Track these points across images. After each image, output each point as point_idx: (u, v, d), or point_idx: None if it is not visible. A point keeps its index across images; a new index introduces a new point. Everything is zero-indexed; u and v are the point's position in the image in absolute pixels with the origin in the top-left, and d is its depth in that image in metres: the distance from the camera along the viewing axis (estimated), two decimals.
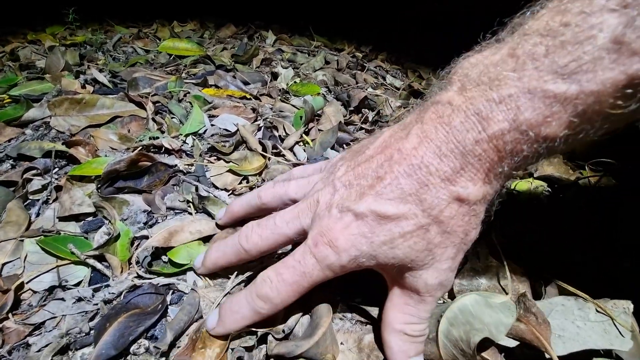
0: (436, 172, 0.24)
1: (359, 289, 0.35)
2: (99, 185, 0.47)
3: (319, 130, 0.66)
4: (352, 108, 0.76)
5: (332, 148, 0.62)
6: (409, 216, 0.25)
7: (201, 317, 0.32)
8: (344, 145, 0.65)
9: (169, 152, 0.57)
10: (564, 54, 0.20)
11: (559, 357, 0.27)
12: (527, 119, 0.22)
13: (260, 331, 0.30)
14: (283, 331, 0.30)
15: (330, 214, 0.27)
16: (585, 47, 0.20)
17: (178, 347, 0.30)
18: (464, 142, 0.24)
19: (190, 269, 0.38)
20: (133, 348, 0.29)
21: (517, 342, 0.29)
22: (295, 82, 0.89)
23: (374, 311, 0.33)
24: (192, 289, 0.34)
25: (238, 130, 0.60)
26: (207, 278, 0.36)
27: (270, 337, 0.32)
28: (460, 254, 0.27)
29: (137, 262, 0.38)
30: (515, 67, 0.22)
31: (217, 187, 0.51)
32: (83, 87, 0.73)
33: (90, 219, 0.44)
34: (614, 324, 0.29)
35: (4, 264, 0.38)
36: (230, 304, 0.30)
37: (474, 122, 0.23)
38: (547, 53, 0.21)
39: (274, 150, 0.59)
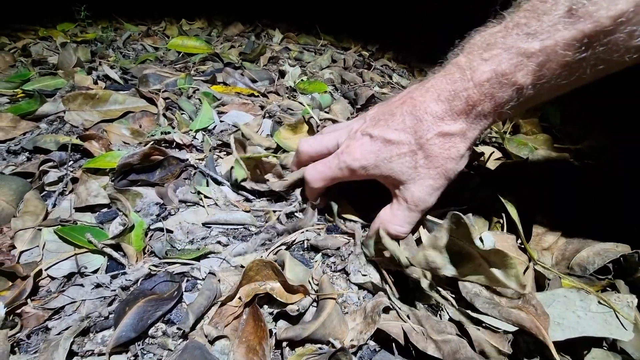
0: (431, 112, 0.34)
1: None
2: (113, 178, 0.48)
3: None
4: (359, 106, 0.77)
5: None
6: (405, 142, 0.35)
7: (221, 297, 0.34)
8: None
9: (179, 146, 0.58)
10: (535, 22, 0.29)
11: (556, 343, 0.28)
12: (503, 69, 0.30)
13: (276, 310, 0.31)
14: (297, 310, 0.31)
15: (356, 135, 0.39)
16: (550, 16, 0.28)
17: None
18: (456, 89, 0.32)
19: (204, 256, 0.39)
20: (151, 331, 0.30)
21: (516, 328, 0.30)
22: (302, 80, 0.90)
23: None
24: (210, 272, 0.35)
25: (239, 129, 0.61)
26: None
27: (279, 323, 0.33)
28: (440, 179, 0.35)
29: (152, 252, 0.40)
30: (505, 34, 0.30)
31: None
32: (95, 83, 0.74)
33: (105, 210, 0.45)
34: (616, 315, 0.30)
35: (22, 252, 0.40)
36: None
37: (466, 74, 0.32)
38: (525, 23, 0.29)
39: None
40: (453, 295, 0.34)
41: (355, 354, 0.31)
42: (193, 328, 0.30)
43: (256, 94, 0.80)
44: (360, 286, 0.36)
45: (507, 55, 0.30)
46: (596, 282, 0.34)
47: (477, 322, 0.31)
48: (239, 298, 0.32)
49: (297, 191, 0.48)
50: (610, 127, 0.68)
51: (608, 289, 0.33)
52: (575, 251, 0.36)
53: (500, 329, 0.30)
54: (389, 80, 1.00)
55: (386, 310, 0.31)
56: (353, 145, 0.38)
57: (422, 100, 0.34)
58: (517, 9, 0.31)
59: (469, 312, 0.32)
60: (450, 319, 0.32)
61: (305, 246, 0.42)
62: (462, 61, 0.33)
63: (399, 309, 0.32)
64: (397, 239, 0.38)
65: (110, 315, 0.32)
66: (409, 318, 0.32)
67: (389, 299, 0.33)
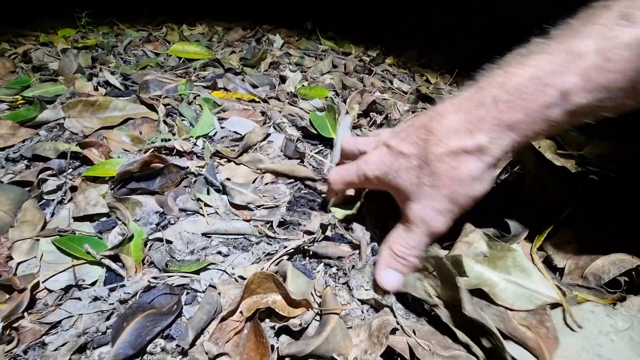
0: (446, 125, 0.31)
1: None
2: (113, 186, 0.48)
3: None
4: (360, 112, 0.77)
5: None
6: (414, 155, 0.33)
7: (221, 311, 0.33)
8: None
9: (180, 154, 0.57)
10: (587, 26, 0.26)
11: None
12: (545, 70, 0.27)
13: (278, 325, 0.30)
14: (300, 324, 0.31)
15: (377, 146, 0.38)
16: (602, 18, 0.25)
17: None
18: (482, 98, 0.29)
19: (206, 267, 0.38)
20: (150, 347, 0.29)
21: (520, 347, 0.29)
22: (303, 85, 0.90)
23: None
24: (210, 285, 0.34)
25: (243, 136, 0.61)
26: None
27: (281, 338, 0.32)
28: (444, 202, 0.32)
29: (151, 263, 0.39)
30: (552, 42, 0.28)
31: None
32: (96, 89, 0.74)
33: (104, 219, 0.45)
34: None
35: (19, 263, 0.39)
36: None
37: (497, 80, 0.29)
38: (576, 27, 0.27)
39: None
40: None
41: None
42: (193, 344, 0.29)
43: (257, 99, 0.79)
44: (364, 302, 0.36)
45: (552, 57, 0.26)
46: (607, 295, 0.33)
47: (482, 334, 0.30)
48: (240, 312, 0.32)
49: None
50: (613, 132, 0.67)
51: (618, 302, 0.32)
52: (590, 260, 0.35)
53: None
54: (389, 85, 0.99)
55: (393, 331, 0.30)
56: (373, 154, 0.38)
57: (443, 111, 0.32)
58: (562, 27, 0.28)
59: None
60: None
61: (309, 254, 0.42)
62: (496, 72, 0.30)
63: (404, 324, 0.32)
64: (405, 264, 0.35)
65: (108, 331, 0.31)
66: (414, 333, 0.31)
67: (394, 315, 0.32)
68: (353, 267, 0.39)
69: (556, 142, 0.70)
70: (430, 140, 0.31)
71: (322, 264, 0.41)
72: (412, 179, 0.33)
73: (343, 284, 0.38)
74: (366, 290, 0.36)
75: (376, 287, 0.36)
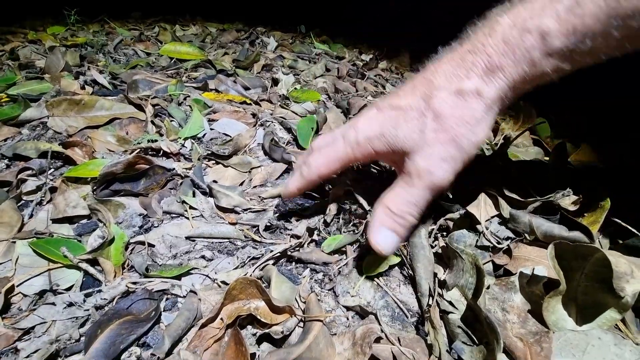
0: (443, 71, 0.31)
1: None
2: (95, 188, 0.46)
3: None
4: (351, 116, 0.77)
5: None
6: (414, 106, 0.32)
7: (201, 318, 0.32)
8: None
9: (167, 155, 0.56)
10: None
11: None
12: (524, 15, 0.28)
13: (260, 332, 0.30)
14: (282, 332, 0.30)
15: (364, 110, 0.36)
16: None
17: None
18: (472, 46, 0.30)
19: (188, 272, 0.37)
20: (124, 356, 0.28)
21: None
22: (295, 88, 0.89)
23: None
24: (191, 290, 0.33)
25: (232, 138, 0.60)
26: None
27: (263, 346, 0.31)
28: (451, 147, 0.31)
29: (132, 267, 0.38)
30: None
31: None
32: (82, 88, 0.73)
33: (84, 221, 0.43)
34: None
35: None
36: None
37: (484, 31, 0.30)
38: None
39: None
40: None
41: None
42: (170, 353, 0.28)
43: (248, 101, 0.79)
44: (349, 308, 0.35)
45: (531, 4, 0.28)
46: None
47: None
48: (221, 319, 0.31)
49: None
50: (600, 139, 0.68)
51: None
52: None
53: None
54: (382, 90, 1.00)
55: (377, 340, 0.30)
56: (358, 119, 0.35)
57: (437, 64, 0.32)
58: None
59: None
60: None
61: (295, 259, 0.41)
62: (482, 24, 0.31)
63: (389, 332, 0.31)
64: (402, 224, 0.33)
65: (81, 338, 0.30)
66: (399, 341, 0.31)
67: (379, 323, 0.32)
68: (339, 272, 0.39)
69: (544, 148, 0.70)
70: (432, 86, 0.31)
71: (309, 269, 0.40)
72: (414, 129, 0.31)
73: (329, 290, 0.38)
74: (352, 296, 0.35)
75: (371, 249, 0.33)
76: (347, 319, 0.35)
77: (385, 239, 0.33)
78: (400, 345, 0.30)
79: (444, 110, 0.30)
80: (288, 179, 0.44)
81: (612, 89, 0.80)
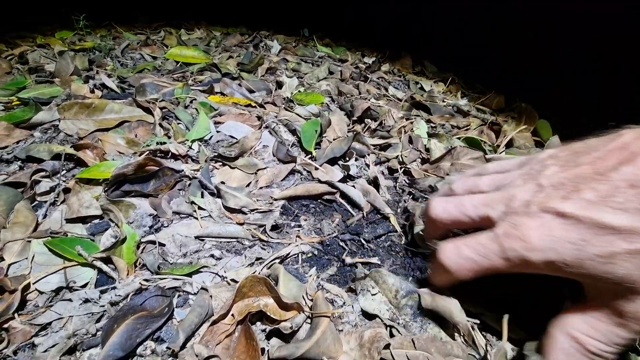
0: None
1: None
2: (107, 189, 0.48)
3: (329, 141, 0.66)
4: (355, 118, 0.78)
5: (346, 160, 0.62)
6: (633, 231, 0.22)
7: (212, 314, 0.33)
8: (357, 158, 0.64)
9: (175, 157, 0.58)
10: None
11: None
12: None
13: (269, 327, 0.31)
14: (291, 327, 0.31)
15: (529, 211, 0.26)
16: None
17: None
18: None
19: (198, 270, 0.38)
20: (140, 350, 0.29)
21: None
22: (299, 91, 0.90)
23: None
24: (202, 287, 0.34)
25: (239, 140, 0.61)
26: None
27: (272, 341, 0.32)
28: None
29: (143, 266, 0.39)
30: None
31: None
32: (92, 91, 0.74)
33: (97, 221, 0.45)
34: None
35: (10, 264, 0.39)
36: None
37: None
38: None
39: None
40: None
41: None
42: (183, 347, 0.29)
43: (253, 104, 0.80)
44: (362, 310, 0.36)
45: None
46: None
47: None
48: (232, 315, 0.32)
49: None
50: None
51: None
52: None
53: None
54: (385, 92, 1.01)
55: (387, 347, 0.30)
56: (526, 225, 0.25)
57: None
58: None
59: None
60: None
61: (301, 259, 0.42)
62: None
63: (405, 334, 0.31)
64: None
65: (98, 333, 0.31)
66: (413, 343, 0.31)
67: (388, 327, 0.32)
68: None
69: None
70: None
71: (315, 268, 0.41)
72: None
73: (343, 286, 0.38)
74: (373, 295, 0.36)
75: None
76: (355, 317, 0.35)
77: None
78: (415, 348, 0.31)
79: None
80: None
81: (612, 89, 0.81)
